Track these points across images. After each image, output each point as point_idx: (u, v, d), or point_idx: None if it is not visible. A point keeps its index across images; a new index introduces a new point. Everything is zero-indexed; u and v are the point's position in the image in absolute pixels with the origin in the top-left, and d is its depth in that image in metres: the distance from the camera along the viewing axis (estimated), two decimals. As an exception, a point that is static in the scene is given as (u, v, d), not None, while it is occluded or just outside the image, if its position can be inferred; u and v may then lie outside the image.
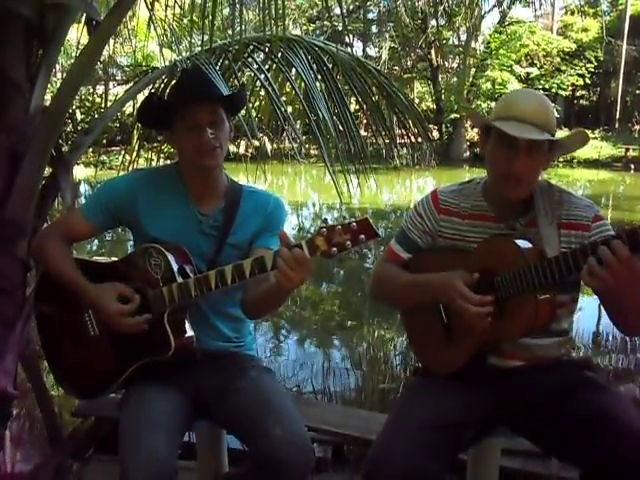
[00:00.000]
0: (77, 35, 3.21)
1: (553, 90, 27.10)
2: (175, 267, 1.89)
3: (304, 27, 27.97)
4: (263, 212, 2.05)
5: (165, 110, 1.96)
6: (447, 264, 1.87)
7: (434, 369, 2.00)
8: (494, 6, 25.43)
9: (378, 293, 2.12)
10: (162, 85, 3.19)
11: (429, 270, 1.91)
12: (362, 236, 1.60)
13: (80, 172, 13.69)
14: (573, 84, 28.02)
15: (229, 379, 1.96)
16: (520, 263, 1.70)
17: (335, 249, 1.62)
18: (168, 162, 2.29)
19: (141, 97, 3.33)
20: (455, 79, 28.60)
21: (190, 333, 1.93)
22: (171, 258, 1.89)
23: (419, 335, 2.08)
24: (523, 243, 1.76)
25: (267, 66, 3.23)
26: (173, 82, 3.14)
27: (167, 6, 3.71)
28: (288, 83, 3.18)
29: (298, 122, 3.76)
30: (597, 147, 24.17)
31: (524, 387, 1.85)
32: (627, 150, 23.49)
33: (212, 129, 1.91)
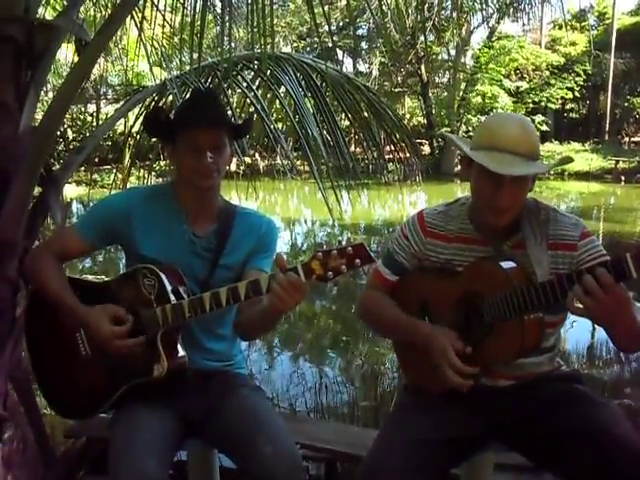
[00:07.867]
0: (67, 54, 3.22)
1: (543, 103, 27.32)
2: (169, 288, 1.88)
3: (294, 44, 28.17)
4: (256, 234, 2.05)
5: (170, 127, 1.97)
6: (435, 286, 1.87)
7: (423, 387, 1.97)
8: (483, 21, 25.65)
9: (365, 319, 2.11)
10: (152, 103, 3.20)
11: (417, 292, 1.91)
12: (357, 260, 1.62)
13: (72, 191, 13.72)
14: (562, 97, 28.24)
15: (219, 398, 1.95)
16: (506, 286, 1.68)
17: (331, 273, 1.64)
18: (160, 180, 2.29)
19: (132, 116, 3.36)
20: (445, 94, 28.79)
21: (182, 353, 1.91)
22: (165, 279, 1.88)
23: (407, 354, 2.05)
24: (507, 264, 1.74)
25: (256, 84, 3.24)
26: (167, 99, 3.16)
27: (156, 24, 3.72)
28: (277, 100, 3.19)
29: (289, 139, 3.77)
30: (588, 159, 24.31)
31: (515, 405, 1.84)
32: (617, 162, 23.63)
33: (213, 153, 1.91)
